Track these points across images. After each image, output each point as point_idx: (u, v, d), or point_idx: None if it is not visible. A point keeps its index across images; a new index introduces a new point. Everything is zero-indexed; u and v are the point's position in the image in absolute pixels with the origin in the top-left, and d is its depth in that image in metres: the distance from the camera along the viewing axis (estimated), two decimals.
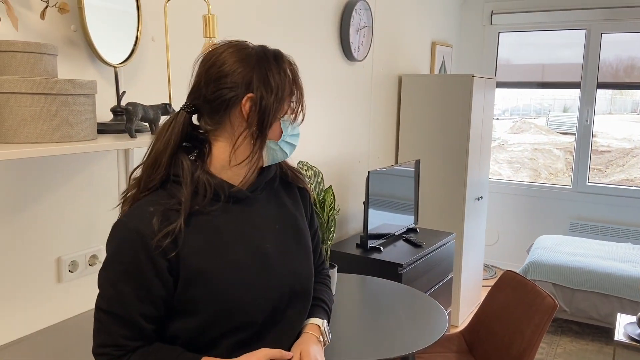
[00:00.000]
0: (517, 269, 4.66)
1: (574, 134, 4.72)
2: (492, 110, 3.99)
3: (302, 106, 1.08)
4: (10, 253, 1.46)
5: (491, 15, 4.83)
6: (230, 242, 1.02)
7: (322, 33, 2.81)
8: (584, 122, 4.60)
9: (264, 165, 1.08)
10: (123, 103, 1.65)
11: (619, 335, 2.68)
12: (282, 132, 1.05)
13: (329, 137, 2.98)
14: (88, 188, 1.66)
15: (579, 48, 4.59)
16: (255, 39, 2.28)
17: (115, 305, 0.96)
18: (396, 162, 3.87)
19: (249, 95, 0.99)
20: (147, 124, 1.66)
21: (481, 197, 3.93)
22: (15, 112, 1.19)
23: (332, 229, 2.26)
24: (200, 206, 1.00)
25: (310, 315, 1.18)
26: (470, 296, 3.96)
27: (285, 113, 1.05)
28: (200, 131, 1.07)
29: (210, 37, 1.56)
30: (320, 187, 2.33)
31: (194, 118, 1.06)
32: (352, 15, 2.97)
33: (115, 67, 1.63)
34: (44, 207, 1.54)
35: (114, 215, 1.75)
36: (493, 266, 5.01)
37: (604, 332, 3.66)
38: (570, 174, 4.76)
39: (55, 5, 1.41)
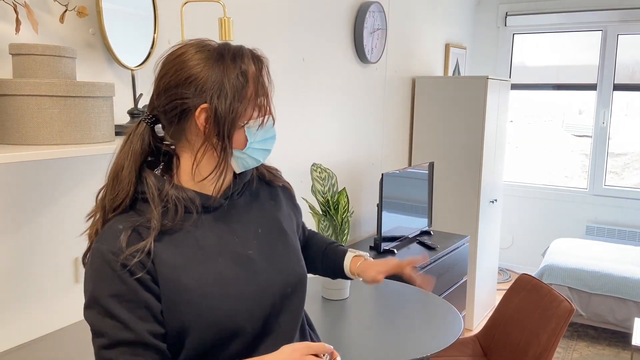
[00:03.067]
0: (533, 273, 4.62)
1: (590, 136, 4.67)
2: (506, 112, 3.96)
3: (268, 108, 0.97)
4: (29, 254, 1.48)
5: (506, 17, 4.81)
6: (210, 254, 0.96)
7: (336, 35, 2.81)
8: (600, 124, 4.55)
9: (237, 172, 1.02)
10: (140, 105, 1.66)
11: (637, 340, 2.64)
12: (247, 140, 0.96)
13: (342, 139, 2.98)
14: None
15: (594, 50, 4.54)
16: (267, 42, 2.29)
17: (119, 332, 0.86)
18: (409, 164, 3.85)
19: (203, 106, 0.90)
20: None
21: (496, 200, 3.91)
22: (35, 114, 1.20)
23: (346, 231, 2.25)
24: (172, 222, 0.93)
25: (338, 256, 1.29)
26: (484, 300, 3.93)
27: (250, 118, 0.95)
28: (166, 142, 1.00)
29: (226, 40, 1.57)
30: (335, 189, 2.33)
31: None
32: (366, 18, 2.97)
33: (132, 70, 1.64)
34: (62, 207, 1.55)
35: None
36: (508, 269, 4.97)
37: (621, 337, 3.61)
38: (586, 176, 4.71)
39: (74, 9, 1.43)
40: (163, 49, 1.79)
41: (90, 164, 1.62)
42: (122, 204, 0.93)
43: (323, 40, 2.70)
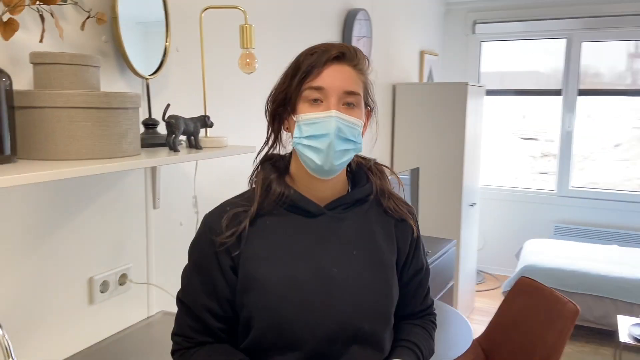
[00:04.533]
0: (508, 274, 4.74)
1: (536, 139, 4.86)
2: (482, 117, 4.06)
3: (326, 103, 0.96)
4: (43, 275, 1.38)
5: (474, 25, 4.93)
6: (292, 256, 0.97)
7: (326, 39, 2.79)
8: (566, 128, 4.73)
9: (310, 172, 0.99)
10: (152, 115, 1.59)
11: (624, 337, 2.74)
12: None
13: None
14: (116, 205, 1.59)
15: (560, 56, 4.73)
16: (261, 48, 2.25)
17: (186, 295, 1.01)
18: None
19: None
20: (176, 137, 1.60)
21: (474, 203, 3.99)
22: (66, 127, 1.12)
23: None
24: (269, 208, 0.99)
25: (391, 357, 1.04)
26: (465, 302, 4.00)
27: (299, 111, 0.97)
28: None
29: (247, 48, 1.53)
30: None
31: None
32: (354, 25, 2.97)
33: (147, 79, 1.57)
34: (75, 225, 1.46)
35: (142, 232, 1.68)
36: (481, 271, 5.07)
37: (598, 334, 3.75)
38: (535, 177, 4.89)
39: (94, 15, 1.35)
40: (173, 57, 1.73)
41: (102, 180, 1.53)
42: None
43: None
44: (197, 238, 1.02)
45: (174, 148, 1.37)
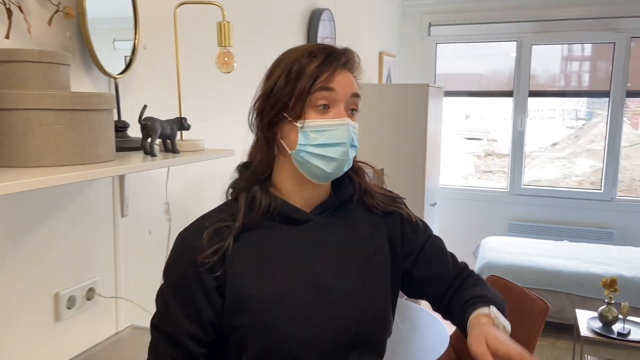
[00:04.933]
0: None
1: (479, 139, 5.04)
2: (441, 118, 4.12)
3: (335, 110, 0.92)
4: (4, 292, 1.26)
5: (429, 27, 5.00)
6: (284, 268, 0.91)
7: (293, 42, 2.74)
8: (518, 128, 4.88)
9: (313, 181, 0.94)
10: (122, 117, 1.49)
11: (584, 330, 2.84)
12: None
13: None
14: (82, 215, 1.48)
15: (512, 59, 4.87)
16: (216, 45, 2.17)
17: (164, 321, 0.92)
18: None
19: None
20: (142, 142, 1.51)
21: (435, 203, 4.04)
22: (37, 131, 1.02)
23: None
24: (254, 221, 0.92)
25: (467, 313, 0.94)
26: (426, 302, 4.03)
27: (305, 117, 0.91)
28: None
29: (225, 46, 1.46)
30: None
31: None
32: (319, 26, 2.94)
33: (115, 78, 1.47)
34: (38, 237, 1.34)
35: (109, 242, 1.57)
36: None
37: (554, 328, 3.87)
38: (480, 176, 5.04)
39: (62, 10, 1.24)
40: (141, 55, 1.63)
41: (68, 188, 1.42)
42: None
43: (284, 47, 2.62)
44: (175, 257, 0.93)
45: (151, 152, 1.28)
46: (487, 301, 0.95)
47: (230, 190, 0.97)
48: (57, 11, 1.22)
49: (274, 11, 2.55)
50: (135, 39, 1.54)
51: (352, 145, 0.92)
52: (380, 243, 1.01)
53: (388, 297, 0.99)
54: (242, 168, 0.98)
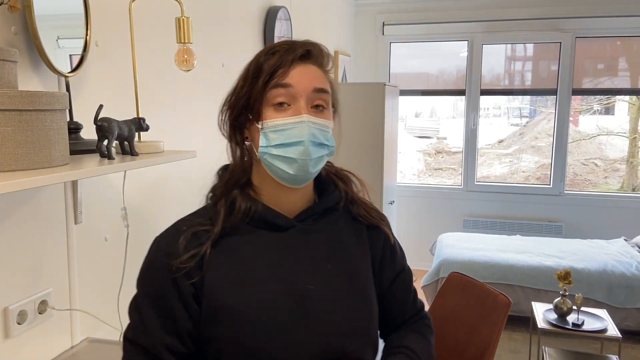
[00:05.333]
0: (426, 268, 4.90)
1: (429, 137, 5.16)
2: (397, 117, 4.15)
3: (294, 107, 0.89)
4: None
5: (383, 26, 5.03)
6: (263, 276, 0.87)
7: (251, 41, 2.68)
8: (471, 126, 4.98)
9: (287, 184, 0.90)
10: (74, 118, 1.40)
11: (540, 322, 2.92)
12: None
13: None
14: (32, 222, 1.38)
15: (460, 58, 4.97)
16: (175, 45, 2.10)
17: (139, 333, 0.87)
18: None
19: None
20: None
21: (393, 201, 4.06)
22: None
23: None
24: (232, 224, 0.88)
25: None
26: None
27: (264, 118, 0.88)
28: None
29: (184, 43, 1.39)
30: None
31: None
32: (275, 24, 2.88)
33: (66, 77, 1.38)
34: None
35: (62, 251, 1.48)
36: None
37: (509, 320, 3.96)
38: (430, 174, 5.14)
39: (6, 2, 1.14)
40: (96, 53, 1.54)
41: (20, 192, 1.31)
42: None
43: (241, 46, 2.56)
44: (149, 264, 0.89)
45: (108, 155, 1.21)
46: (412, 357, 0.96)
47: (210, 195, 0.93)
48: (2, 3, 1.13)
49: (230, 8, 2.48)
50: (87, 35, 1.45)
51: (318, 144, 0.87)
52: (363, 254, 0.98)
53: (372, 309, 0.95)
54: (222, 171, 0.95)
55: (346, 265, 0.94)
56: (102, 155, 1.22)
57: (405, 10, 4.96)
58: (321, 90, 0.88)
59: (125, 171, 1.59)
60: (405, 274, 1.05)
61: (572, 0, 4.56)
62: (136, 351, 0.86)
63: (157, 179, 1.86)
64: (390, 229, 1.03)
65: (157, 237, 0.90)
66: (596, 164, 5.20)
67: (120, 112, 1.60)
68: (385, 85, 3.60)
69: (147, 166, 1.31)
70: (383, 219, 1.03)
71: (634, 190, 5.04)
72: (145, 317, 0.85)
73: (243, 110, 0.88)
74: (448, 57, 5.07)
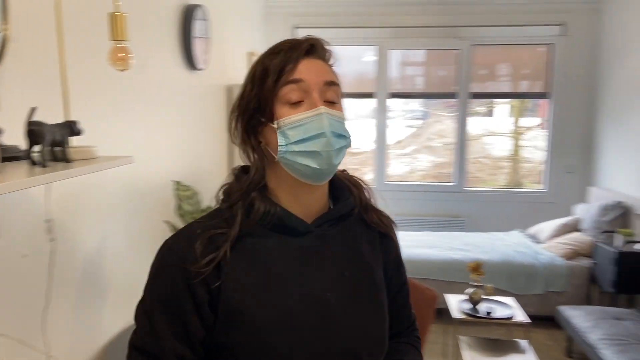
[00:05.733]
0: None
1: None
2: None
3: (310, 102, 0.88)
4: None
5: (294, 29, 5.06)
6: (282, 282, 0.85)
7: (167, 41, 2.57)
8: (381, 128, 5.16)
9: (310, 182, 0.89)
10: None
11: (455, 313, 3.09)
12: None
13: (187, 151, 2.75)
14: None
15: (361, 63, 5.14)
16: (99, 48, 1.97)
17: (148, 341, 0.83)
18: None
19: None
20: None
21: None
22: None
23: None
24: (250, 229, 0.85)
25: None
26: None
27: (277, 117, 0.88)
28: None
29: (119, 40, 1.30)
30: (199, 207, 2.14)
31: None
32: (192, 23, 2.79)
33: None
34: None
35: None
36: None
37: None
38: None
39: None
40: (15, 49, 1.39)
41: None
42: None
43: (158, 45, 2.44)
44: (161, 269, 0.85)
45: (41, 162, 1.10)
46: None
47: (222, 197, 0.90)
48: None
49: (146, 6, 2.36)
50: (4, 28, 1.31)
51: (338, 135, 0.86)
52: (377, 261, 0.98)
53: (387, 319, 0.96)
54: (240, 173, 0.91)
55: (362, 273, 0.94)
56: (34, 163, 1.11)
57: (316, 14, 5.03)
58: (332, 83, 0.88)
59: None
60: (407, 285, 1.08)
61: (469, 9, 4.88)
62: (143, 359, 0.83)
63: (85, 186, 1.72)
64: (397, 240, 1.05)
65: (168, 240, 0.87)
66: (483, 162, 5.64)
67: (45, 114, 1.47)
68: None
69: (84, 174, 1.21)
70: (394, 226, 1.04)
71: (517, 185, 5.53)
72: (156, 323, 0.82)
73: (254, 113, 0.86)
74: (351, 61, 5.23)
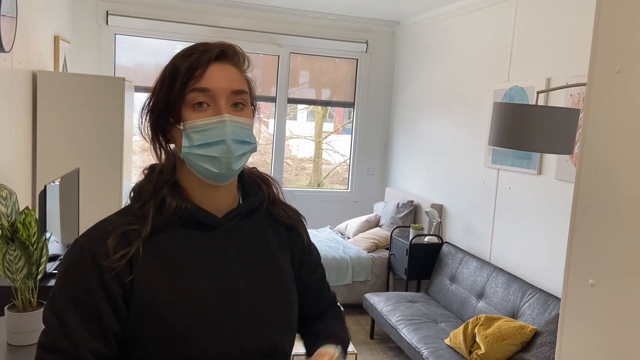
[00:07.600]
0: None
1: None
2: (132, 114, 3.96)
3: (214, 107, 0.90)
4: None
5: (107, 16, 4.72)
6: (193, 275, 0.88)
7: None
8: (281, 133, 5.17)
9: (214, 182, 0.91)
10: None
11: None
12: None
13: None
14: None
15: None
16: None
17: (59, 338, 0.82)
18: (34, 172, 3.36)
19: None
20: None
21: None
22: None
23: (44, 259, 1.89)
24: (162, 225, 0.87)
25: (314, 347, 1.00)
26: None
27: (184, 119, 0.90)
28: None
29: None
30: (16, 208, 1.90)
31: None
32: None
33: None
34: None
35: None
36: None
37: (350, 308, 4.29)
38: None
39: None
40: None
41: None
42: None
43: None
44: (73, 266, 0.84)
45: None
46: (337, 340, 1.04)
47: (134, 195, 0.90)
48: None
49: None
50: None
51: (240, 141, 0.88)
52: (283, 252, 1.02)
53: (295, 305, 1.01)
54: (148, 171, 0.91)
55: (270, 263, 0.98)
56: None
57: (130, 2, 4.76)
58: (239, 92, 0.90)
59: None
60: (320, 269, 1.13)
61: (286, 19, 5.14)
62: (55, 358, 0.81)
63: None
64: (305, 230, 1.09)
65: (79, 238, 0.86)
66: (288, 163, 6.01)
67: None
68: (124, 80, 3.41)
69: None
70: (301, 219, 1.08)
71: (319, 185, 6.04)
72: (67, 320, 0.82)
73: (162, 112, 0.88)
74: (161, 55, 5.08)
